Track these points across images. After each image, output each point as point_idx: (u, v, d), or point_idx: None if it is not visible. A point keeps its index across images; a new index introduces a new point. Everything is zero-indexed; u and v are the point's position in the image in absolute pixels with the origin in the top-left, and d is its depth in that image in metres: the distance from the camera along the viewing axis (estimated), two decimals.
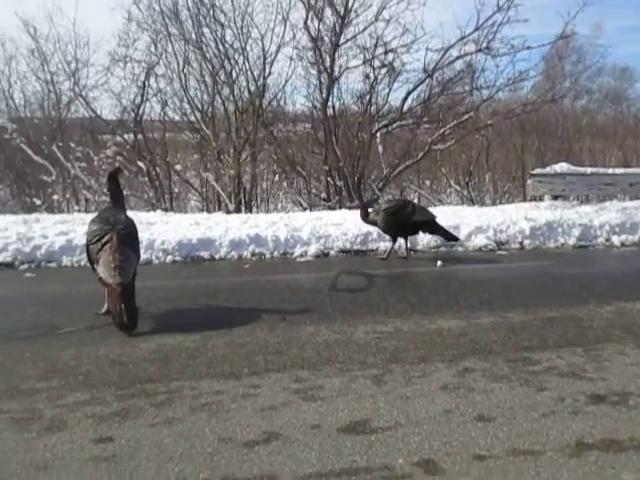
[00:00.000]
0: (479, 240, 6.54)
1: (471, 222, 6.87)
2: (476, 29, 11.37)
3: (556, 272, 5.44)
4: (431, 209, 6.67)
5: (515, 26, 11.27)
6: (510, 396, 2.64)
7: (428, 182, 16.28)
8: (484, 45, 11.50)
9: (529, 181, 9.97)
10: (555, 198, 9.40)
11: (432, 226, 5.94)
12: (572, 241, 6.85)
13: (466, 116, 12.16)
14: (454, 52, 11.72)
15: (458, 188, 16.10)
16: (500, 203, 13.73)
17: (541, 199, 9.84)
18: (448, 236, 6.02)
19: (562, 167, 9.68)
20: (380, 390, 2.71)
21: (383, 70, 12.01)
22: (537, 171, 9.85)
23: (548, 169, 9.74)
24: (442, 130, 12.20)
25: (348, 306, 4.17)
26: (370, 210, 6.06)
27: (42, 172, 12.25)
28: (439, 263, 5.62)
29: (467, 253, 6.36)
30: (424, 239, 6.45)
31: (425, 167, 15.33)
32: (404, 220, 5.81)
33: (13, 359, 3.12)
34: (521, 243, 6.70)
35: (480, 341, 3.39)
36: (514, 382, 2.80)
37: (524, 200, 12.20)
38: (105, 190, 4.16)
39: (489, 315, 3.91)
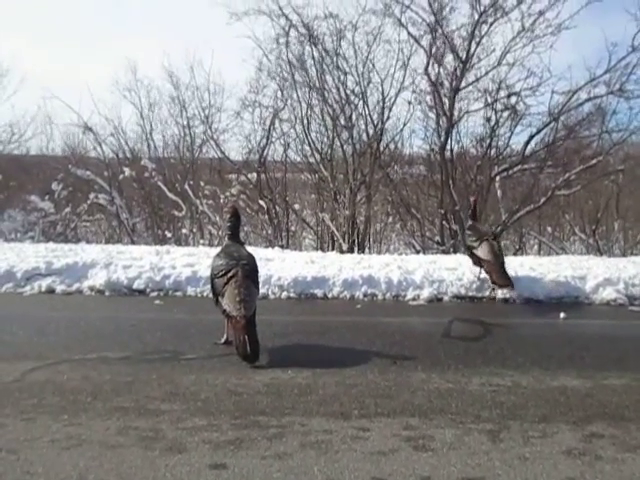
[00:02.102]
0: (607, 293, 6.04)
1: (598, 273, 6.38)
2: (607, 71, 10.85)
3: None
4: (554, 257, 6.31)
5: None
6: None
7: (550, 229, 15.44)
8: (616, 87, 10.91)
9: None
10: None
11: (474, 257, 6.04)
12: None
13: (594, 160, 11.48)
14: (582, 94, 11.24)
15: (583, 236, 15.07)
16: (631, 254, 12.65)
17: None
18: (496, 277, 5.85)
19: None
20: (496, 447, 2.56)
21: (505, 113, 11.78)
22: None
23: None
24: (567, 175, 11.61)
25: (462, 355, 4.02)
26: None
27: (174, 207, 13.31)
28: (562, 315, 5.26)
29: (594, 307, 5.89)
30: (546, 288, 6.09)
31: (547, 214, 14.57)
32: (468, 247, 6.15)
33: (141, 380, 3.35)
34: None
35: (609, 404, 3.10)
36: None
37: None
38: (227, 224, 4.37)
39: (619, 376, 3.57)
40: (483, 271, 6.06)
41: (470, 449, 2.53)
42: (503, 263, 5.94)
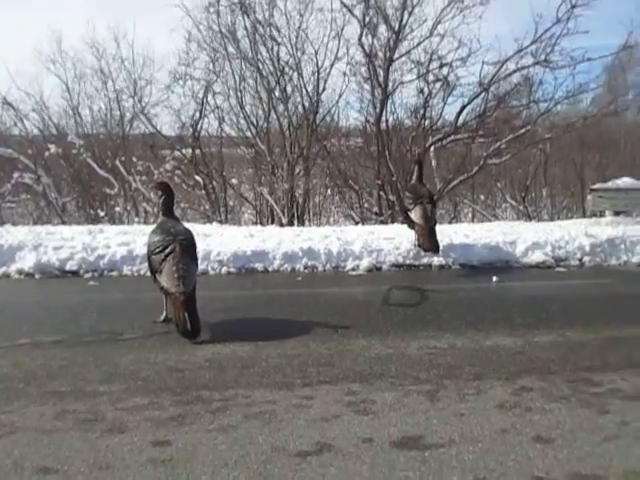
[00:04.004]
0: (536, 256, 6.35)
1: (528, 238, 6.69)
2: (534, 42, 11.19)
3: (618, 290, 5.22)
4: (487, 224, 6.55)
5: (575, 37, 11.01)
6: (570, 417, 2.55)
7: (483, 197, 16.01)
8: (542, 58, 11.29)
9: (589, 196, 9.63)
10: (617, 214, 9.04)
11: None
12: (636, 259, 6.54)
13: (523, 130, 11.91)
14: (511, 65, 11.57)
15: (514, 203, 15.74)
16: (558, 219, 13.33)
17: (602, 215, 9.48)
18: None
19: (625, 182, 9.31)
20: (433, 406, 2.67)
21: (437, 84, 11.99)
22: (598, 186, 9.51)
23: (610, 184, 9.39)
24: (498, 144, 12.00)
25: (401, 321, 4.13)
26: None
27: (105, 185, 12.82)
28: (495, 279, 5.50)
29: (524, 270, 6.19)
30: (480, 254, 6.33)
31: (480, 182, 15.11)
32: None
33: (78, 362, 3.25)
34: (580, 260, 6.47)
35: (538, 360, 3.28)
36: (574, 403, 2.70)
37: (583, 216, 11.81)
38: (159, 201, 4.24)
39: (547, 333, 3.79)
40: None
41: (409, 409, 2.63)
42: (433, 227, 6.10)
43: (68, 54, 13.65)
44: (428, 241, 6.00)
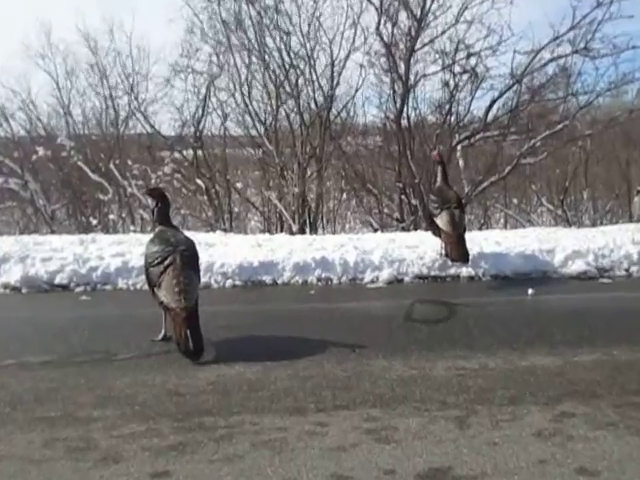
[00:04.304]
0: (577, 266, 6.30)
1: (567, 245, 6.64)
2: (572, 28, 11.17)
3: None
4: (521, 230, 6.52)
5: (618, 23, 10.97)
6: (617, 447, 2.51)
7: (516, 201, 15.92)
8: (581, 46, 11.26)
9: (636, 198, 9.56)
10: None
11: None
12: None
13: (560, 125, 11.86)
14: (546, 54, 11.55)
15: (551, 207, 15.63)
16: (601, 224, 13.21)
17: None
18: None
19: None
20: (463, 434, 2.64)
21: (465, 76, 12.00)
22: None
23: None
24: (532, 142, 11.96)
25: (425, 339, 4.12)
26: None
27: (98, 191, 12.99)
28: (530, 291, 5.46)
29: (563, 281, 6.14)
30: (513, 264, 6.29)
31: (513, 184, 15.03)
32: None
33: (68, 385, 3.28)
34: (627, 270, 6.40)
35: (580, 382, 3.25)
36: (622, 430, 2.66)
37: (630, 221, 11.66)
38: (154, 210, 4.27)
39: (590, 352, 3.74)
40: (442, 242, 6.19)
41: (436, 438, 2.61)
42: (461, 235, 6.07)
43: (58, 48, 13.95)
44: (456, 250, 5.97)
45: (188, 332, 3.58)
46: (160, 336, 4.03)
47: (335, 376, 3.37)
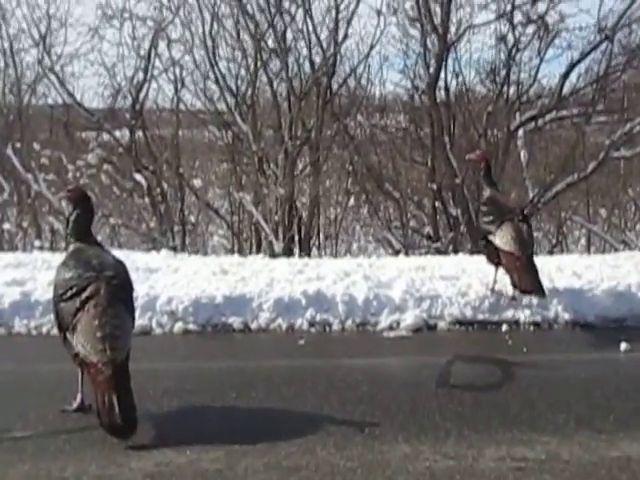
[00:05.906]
0: None
1: None
2: None
3: None
4: (611, 256, 6.51)
5: None
6: None
7: (604, 212, 15.98)
8: None
9: None
10: None
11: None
12: None
13: None
14: None
15: None
16: None
17: None
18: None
19: None
20: None
21: (529, 28, 12.08)
22: None
23: None
24: (629, 126, 12.03)
25: (468, 414, 4.12)
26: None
27: None
28: (624, 346, 5.48)
29: None
30: (600, 305, 6.31)
31: (600, 187, 15.08)
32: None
33: None
34: None
35: None
36: None
37: None
38: (71, 217, 4.28)
39: None
40: (502, 270, 6.20)
41: None
42: (531, 257, 6.10)
43: None
44: (526, 277, 5.95)
45: (115, 398, 3.56)
46: (75, 404, 4.02)
47: (333, 468, 3.37)
